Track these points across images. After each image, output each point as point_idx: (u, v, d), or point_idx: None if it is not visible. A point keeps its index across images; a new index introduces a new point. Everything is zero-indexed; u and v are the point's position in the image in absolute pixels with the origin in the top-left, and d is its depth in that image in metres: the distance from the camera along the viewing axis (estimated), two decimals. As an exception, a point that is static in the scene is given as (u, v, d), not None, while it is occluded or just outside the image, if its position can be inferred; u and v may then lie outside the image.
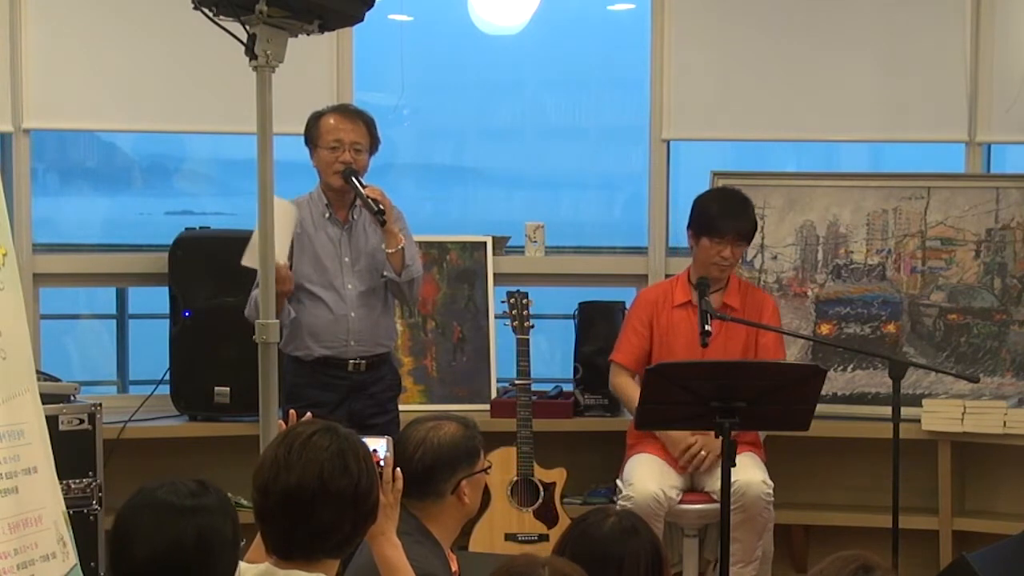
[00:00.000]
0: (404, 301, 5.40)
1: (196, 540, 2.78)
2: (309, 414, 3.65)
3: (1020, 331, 5.89)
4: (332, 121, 5.11)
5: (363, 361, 5.14)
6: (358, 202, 5.10)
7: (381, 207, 4.91)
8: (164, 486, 2.86)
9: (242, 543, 2.92)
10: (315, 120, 5.14)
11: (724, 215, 5.36)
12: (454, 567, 3.61)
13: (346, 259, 5.13)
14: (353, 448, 3.03)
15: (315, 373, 5.08)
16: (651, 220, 6.32)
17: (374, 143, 5.15)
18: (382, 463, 3.29)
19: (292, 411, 3.63)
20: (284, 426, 3.66)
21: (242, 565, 3.02)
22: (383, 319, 5.21)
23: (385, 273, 5.09)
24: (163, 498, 2.83)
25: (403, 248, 5.04)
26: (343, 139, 5.07)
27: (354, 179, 4.99)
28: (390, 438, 3.41)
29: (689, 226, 5.47)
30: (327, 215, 5.15)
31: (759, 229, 5.99)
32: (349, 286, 5.13)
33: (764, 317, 5.46)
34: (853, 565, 2.54)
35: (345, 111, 5.18)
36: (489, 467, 3.72)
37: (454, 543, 3.68)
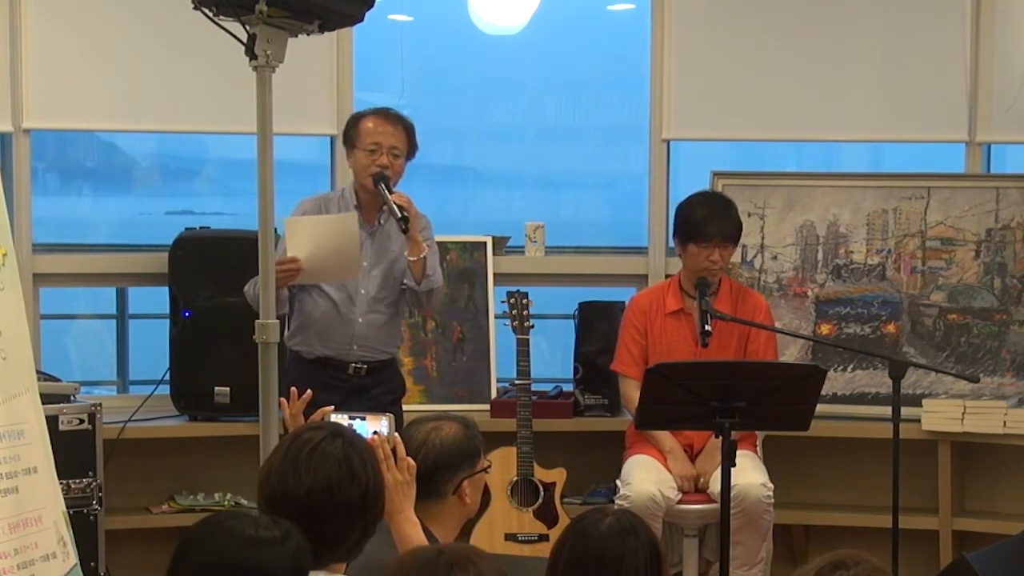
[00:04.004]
0: (420, 309, 5.37)
1: (238, 570, 2.58)
2: (309, 392, 3.64)
3: (1020, 331, 5.89)
4: (371, 124, 5.07)
5: (364, 366, 5.12)
6: (385, 207, 5.07)
7: (405, 214, 4.87)
8: (239, 515, 2.69)
9: None
10: (355, 122, 5.11)
11: (709, 219, 5.32)
12: (454, 567, 3.61)
13: (364, 263, 5.10)
14: (359, 453, 3.00)
15: (316, 372, 5.06)
16: (651, 220, 6.32)
17: (412, 149, 5.11)
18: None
19: (293, 388, 3.62)
20: (284, 404, 3.65)
21: None
22: (389, 326, 5.18)
23: (405, 281, 5.07)
24: (222, 521, 2.66)
25: (425, 257, 5.02)
26: (381, 143, 5.03)
27: (383, 184, 4.97)
28: (391, 415, 3.40)
29: (675, 234, 5.45)
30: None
31: (759, 229, 5.99)
32: (362, 290, 5.10)
33: (756, 321, 5.42)
34: (823, 562, 2.54)
35: (386, 114, 5.12)
36: (489, 466, 3.72)
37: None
